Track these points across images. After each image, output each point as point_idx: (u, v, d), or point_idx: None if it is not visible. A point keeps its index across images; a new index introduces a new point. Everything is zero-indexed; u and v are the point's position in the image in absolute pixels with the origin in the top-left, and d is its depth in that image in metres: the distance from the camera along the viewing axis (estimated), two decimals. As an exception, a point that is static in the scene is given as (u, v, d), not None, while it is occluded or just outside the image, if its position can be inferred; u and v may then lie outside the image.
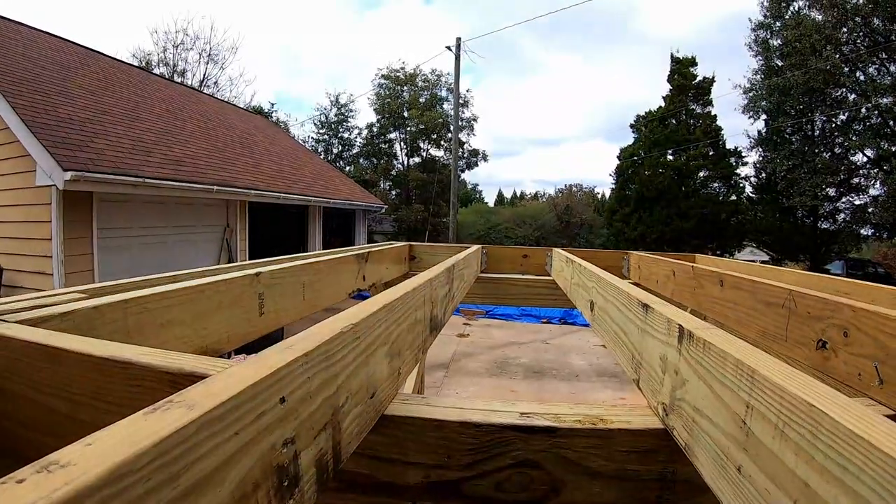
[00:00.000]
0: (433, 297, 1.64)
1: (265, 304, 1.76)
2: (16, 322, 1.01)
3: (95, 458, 0.39)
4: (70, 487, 0.36)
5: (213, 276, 1.61)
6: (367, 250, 3.06)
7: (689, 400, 0.91)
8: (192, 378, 0.77)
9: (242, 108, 32.66)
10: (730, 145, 40.59)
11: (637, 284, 2.47)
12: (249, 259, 15.87)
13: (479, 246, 4.17)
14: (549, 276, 4.01)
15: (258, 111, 42.63)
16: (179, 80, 34.49)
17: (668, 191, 38.92)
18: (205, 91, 32.41)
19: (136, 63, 30.94)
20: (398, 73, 52.29)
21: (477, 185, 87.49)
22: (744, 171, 40.29)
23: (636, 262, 3.99)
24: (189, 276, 1.75)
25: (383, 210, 32.53)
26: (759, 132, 36.26)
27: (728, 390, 0.78)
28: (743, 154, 39.74)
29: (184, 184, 12.14)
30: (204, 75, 44.69)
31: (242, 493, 0.54)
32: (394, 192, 51.11)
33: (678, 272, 2.91)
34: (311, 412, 0.70)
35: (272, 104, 56.41)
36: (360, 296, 2.90)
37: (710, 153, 39.72)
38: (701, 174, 40.39)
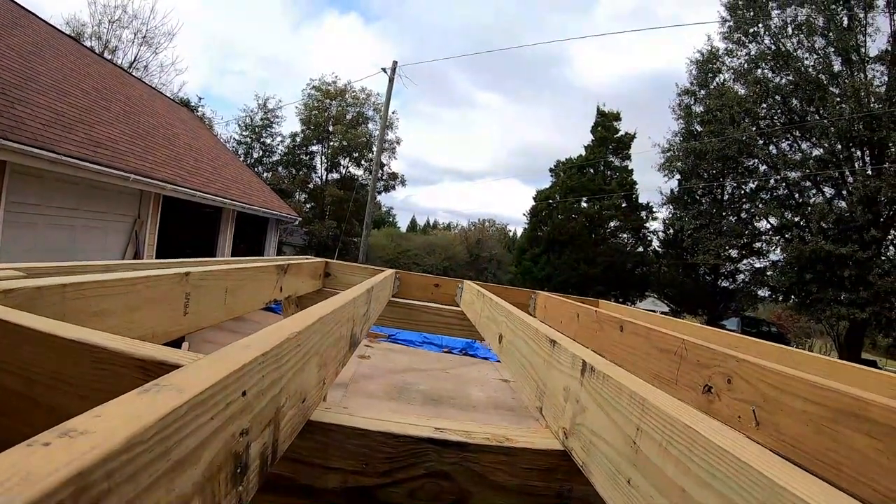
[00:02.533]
0: (354, 316, 1.72)
1: (190, 304, 1.80)
2: (-41, 295, 1.04)
3: (112, 428, 0.45)
4: (98, 451, 0.41)
5: (145, 271, 1.65)
6: (287, 262, 3.10)
7: (588, 424, 1.03)
8: (163, 366, 0.83)
9: (169, 98, 31.76)
10: (642, 199, 42.21)
11: (542, 323, 2.60)
12: (157, 255, 15.51)
13: (393, 271, 4.25)
14: (459, 306, 4.12)
15: (185, 103, 41.38)
16: (109, 58, 33.30)
17: (578, 236, 39.94)
18: (133, 73, 31.42)
19: (68, 32, 29.67)
20: (329, 87, 52.22)
21: (392, 208, 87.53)
22: (653, 225, 41.83)
23: (543, 301, 4.14)
24: (122, 267, 1.78)
25: (297, 222, 32.20)
26: (671, 190, 37.75)
27: (622, 416, 0.90)
28: (654, 209, 41.34)
29: (102, 167, 11.69)
30: (135, 57, 43.28)
31: (210, 474, 0.61)
32: (308, 206, 50.51)
33: (582, 315, 3.06)
34: (262, 408, 0.77)
35: (199, 98, 55.03)
36: (270, 308, 2.94)
37: (623, 205, 41.03)
38: (612, 224, 41.71)
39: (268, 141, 53.77)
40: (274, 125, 53.99)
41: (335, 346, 1.37)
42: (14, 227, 10.52)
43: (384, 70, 32.84)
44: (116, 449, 0.43)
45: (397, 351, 15.35)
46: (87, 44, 35.71)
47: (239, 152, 49.65)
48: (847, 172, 28.00)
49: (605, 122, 42.17)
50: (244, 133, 53.31)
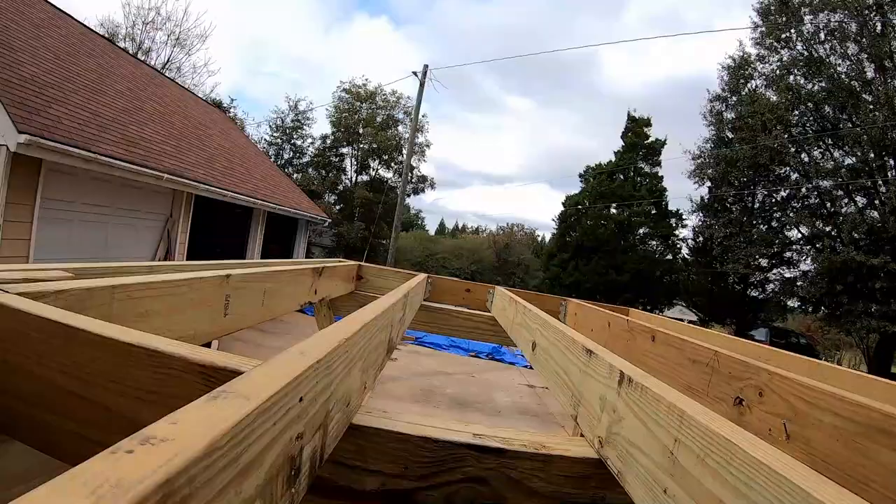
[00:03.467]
0: (392, 321, 1.75)
1: (230, 306, 1.84)
2: (17, 294, 1.08)
3: (191, 435, 0.48)
4: (181, 458, 0.44)
5: (189, 273, 1.69)
6: (322, 265, 3.14)
7: (625, 434, 1.05)
8: (224, 372, 0.87)
9: (202, 99, 32.05)
10: (672, 206, 41.98)
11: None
12: (188, 254, 15.66)
13: (426, 276, 4.28)
14: (489, 312, 4.14)
15: (217, 104, 41.77)
16: (143, 59, 33.73)
17: (607, 243, 39.79)
18: (167, 75, 31.81)
19: (103, 33, 30.10)
20: (359, 90, 52.44)
21: (420, 211, 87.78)
22: (682, 232, 41.55)
23: (574, 309, 4.15)
24: (165, 268, 1.83)
25: (326, 223, 32.39)
26: (701, 198, 37.50)
27: (660, 427, 0.92)
28: (684, 217, 41.10)
29: (136, 166, 11.81)
30: (168, 58, 43.79)
31: (270, 477, 0.64)
32: (338, 207, 50.77)
33: (613, 324, 3.06)
34: (315, 412, 0.80)
35: (232, 99, 55.59)
36: (301, 310, 2.97)
37: (653, 212, 40.82)
38: (641, 231, 41.49)
39: (298, 142, 54.35)
40: (304, 127, 54.51)
41: (375, 352, 1.40)
42: (49, 224, 10.68)
43: (415, 73, 33.00)
44: (198, 456, 0.46)
45: (424, 354, 15.38)
46: (121, 45, 36.17)
47: (270, 153, 50.07)
48: (880, 182, 27.52)
49: (636, 128, 42.03)
50: (275, 134, 53.84)
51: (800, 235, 32.84)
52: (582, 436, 1.31)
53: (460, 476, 1.11)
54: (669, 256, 41.98)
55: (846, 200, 30.29)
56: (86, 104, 12.33)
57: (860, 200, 29.79)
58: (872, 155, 27.86)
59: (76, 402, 0.91)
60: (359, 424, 1.12)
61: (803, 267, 33.26)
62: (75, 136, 10.41)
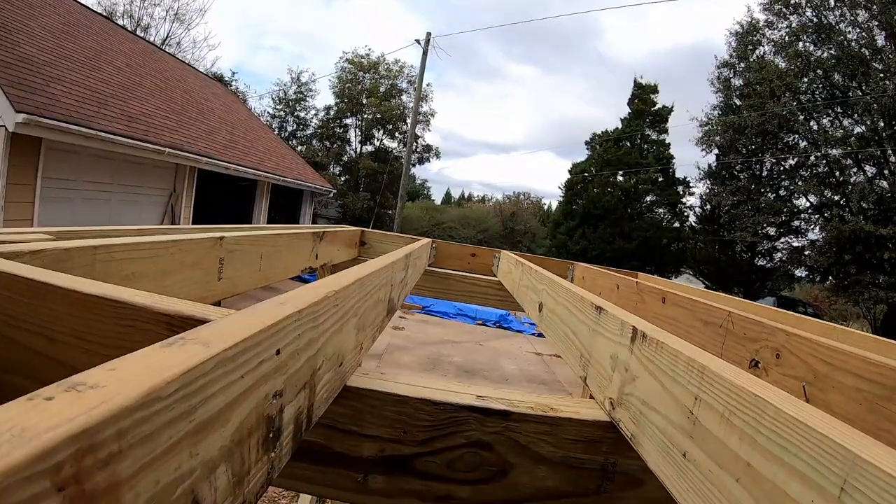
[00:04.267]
0: (392, 281, 1.68)
1: (224, 269, 1.77)
2: (-13, 255, 1.01)
3: (126, 382, 0.40)
4: (107, 406, 0.36)
5: (179, 235, 1.62)
6: (323, 230, 3.07)
7: (638, 394, 0.97)
8: (192, 321, 0.79)
9: (202, 73, 31.96)
10: (679, 174, 41.70)
11: (583, 292, 2.55)
12: (193, 229, 15.62)
13: (430, 240, 4.20)
14: (495, 276, 4.07)
15: (218, 78, 41.65)
16: (142, 35, 33.55)
17: (614, 210, 39.63)
18: (166, 50, 31.58)
19: (100, 11, 29.89)
20: (362, 59, 52.06)
21: (426, 181, 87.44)
22: (690, 200, 41.35)
23: (581, 272, 4.08)
24: (154, 231, 1.75)
25: (331, 194, 32.29)
26: (709, 165, 37.29)
27: (678, 385, 0.84)
28: (691, 184, 40.86)
29: (136, 142, 11.85)
30: (168, 34, 43.63)
31: (240, 437, 0.56)
32: (343, 178, 50.56)
33: (622, 286, 2.99)
34: (297, 369, 0.73)
35: (233, 73, 55.64)
36: (301, 279, 2.90)
37: (660, 179, 40.59)
38: (648, 198, 41.31)
39: (301, 114, 54.02)
40: (307, 98, 54.21)
41: (373, 310, 1.33)
42: (51, 203, 10.68)
43: (418, 42, 32.79)
44: (130, 405, 0.38)
45: (431, 323, 15.38)
46: (120, 22, 35.87)
47: (273, 126, 49.81)
48: (889, 151, 27.30)
49: (642, 95, 41.63)
50: (278, 107, 53.66)
51: (808, 204, 32.63)
52: (592, 398, 1.23)
53: (463, 441, 1.04)
54: (677, 224, 41.74)
55: (855, 169, 30.04)
56: (84, 81, 12.29)
57: (869, 170, 29.57)
58: (882, 124, 27.61)
59: (42, 363, 0.84)
60: (354, 386, 1.05)
61: (811, 236, 33.16)
62: (74, 113, 10.39)
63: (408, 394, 1.03)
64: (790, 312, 2.46)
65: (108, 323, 0.82)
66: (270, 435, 0.65)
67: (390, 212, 44.91)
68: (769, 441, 0.63)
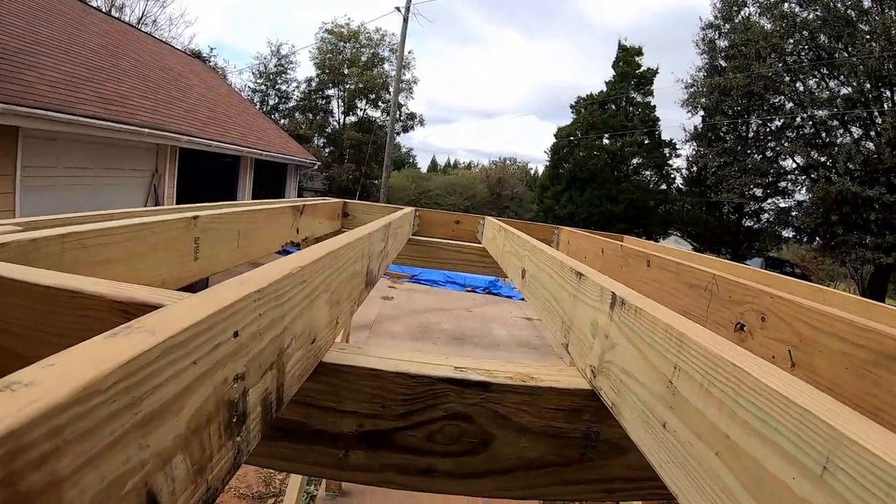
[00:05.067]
0: (370, 252, 1.65)
1: (200, 249, 1.74)
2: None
3: (61, 378, 0.38)
4: (38, 405, 0.35)
5: (151, 217, 1.58)
6: (303, 203, 3.03)
7: (618, 362, 0.96)
8: (145, 308, 0.76)
9: (180, 51, 31.46)
10: (665, 136, 41.60)
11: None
12: (177, 208, 15.52)
13: (413, 208, 4.17)
14: (480, 243, 4.04)
15: (196, 55, 41.00)
16: (117, 16, 33.00)
17: (600, 173, 39.59)
18: (142, 29, 31.07)
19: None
20: (342, 29, 51.38)
21: (411, 149, 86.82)
22: (676, 162, 41.38)
23: (566, 237, 4.06)
24: (125, 214, 1.71)
25: (316, 167, 32.05)
26: (695, 127, 37.18)
27: (657, 353, 0.82)
28: (677, 146, 40.80)
29: (115, 124, 11.67)
30: (143, 12, 42.99)
31: (197, 425, 0.54)
32: (327, 150, 50.10)
33: (607, 249, 2.97)
34: (261, 350, 0.70)
35: (211, 49, 54.86)
36: (286, 252, 2.86)
37: (646, 142, 40.54)
38: (635, 161, 41.29)
39: (283, 87, 53.39)
40: (288, 71, 53.54)
41: (349, 283, 1.30)
42: (32, 192, 10.54)
43: (398, 9, 32.38)
44: (62, 402, 0.36)
45: (420, 291, 15.43)
46: (93, 3, 35.30)
47: (254, 100, 49.21)
48: (876, 113, 27.25)
49: (627, 57, 41.32)
50: (258, 81, 52.96)
51: (795, 165, 32.62)
52: (574, 366, 1.22)
53: (442, 413, 1.02)
54: (664, 186, 41.76)
55: (842, 131, 29.91)
56: (58, 66, 12.11)
57: (856, 131, 29.46)
58: (868, 86, 27.52)
59: (6, 358, 0.82)
60: (329, 362, 1.02)
61: (798, 197, 33.19)
62: (51, 99, 10.24)
63: (384, 368, 1.01)
64: (775, 274, 2.46)
65: (67, 314, 0.79)
66: (234, 420, 0.63)
67: (376, 182, 44.68)
68: (749, 413, 0.60)
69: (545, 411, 1.04)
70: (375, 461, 1.07)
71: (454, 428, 1.02)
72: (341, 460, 1.09)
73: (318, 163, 32.50)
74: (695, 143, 37.55)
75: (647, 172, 42.22)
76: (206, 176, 20.12)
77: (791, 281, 2.26)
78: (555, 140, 43.60)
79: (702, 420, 0.69)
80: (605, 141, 40.85)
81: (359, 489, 5.81)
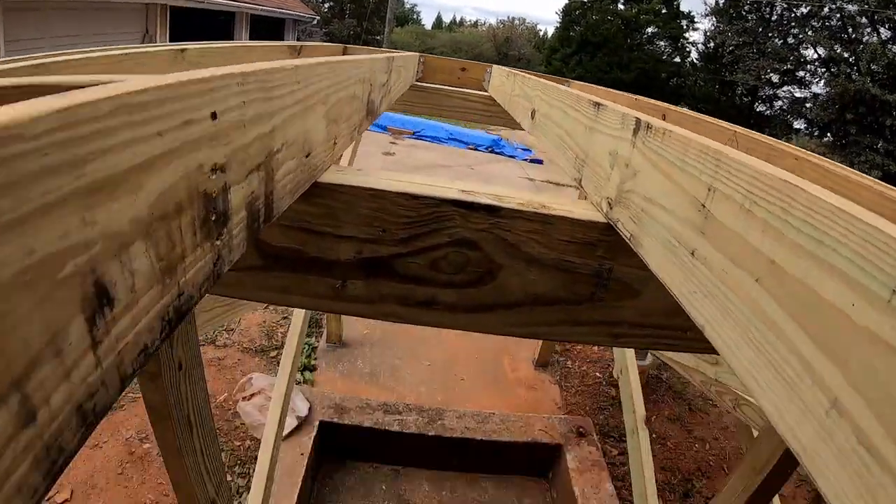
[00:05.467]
0: (372, 80, 1.54)
1: (189, 86, 1.62)
2: None
3: None
4: None
5: (136, 49, 1.46)
6: (301, 44, 2.87)
7: (640, 190, 0.87)
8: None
9: None
10: (684, 7, 40.13)
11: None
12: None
13: (418, 53, 3.99)
14: (486, 91, 3.91)
15: None
16: None
17: (613, 39, 38.48)
18: None
19: None
20: None
21: (415, 5, 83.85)
22: (693, 36, 40.37)
23: (578, 88, 3.92)
24: (108, 49, 1.60)
25: (315, 22, 31.02)
26: (716, 1, 35.74)
27: (687, 175, 0.74)
28: (695, 19, 39.48)
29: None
30: None
31: (163, 212, 0.46)
32: (326, 5, 48.27)
33: (619, 100, 2.85)
34: (245, 144, 0.61)
35: None
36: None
37: (663, 11, 39.12)
38: (649, 30, 40.01)
39: (281, -66, 50.56)
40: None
41: (349, 105, 1.20)
42: (17, 65, 10.18)
43: None
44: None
45: (422, 147, 15.29)
46: None
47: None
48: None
49: (650, -84, 39.33)
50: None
51: (816, 56, 31.55)
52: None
53: (446, 239, 0.95)
54: (677, 59, 40.59)
55: (869, 29, 28.72)
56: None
57: (884, 33, 28.31)
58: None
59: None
60: (326, 182, 0.95)
61: (815, 89, 32.31)
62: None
63: (385, 188, 0.94)
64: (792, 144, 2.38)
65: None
66: (213, 218, 0.55)
67: (378, 38, 43.30)
68: (800, 234, 0.52)
69: (557, 243, 0.97)
70: (374, 291, 1.01)
71: (459, 255, 0.96)
72: (338, 290, 1.03)
73: (318, 18, 31.45)
74: (714, 19, 36.21)
75: (662, 43, 40.92)
76: (199, 36, 19.42)
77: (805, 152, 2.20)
78: (567, 1, 42.09)
79: (740, 245, 0.61)
80: (620, 6, 39.44)
81: (358, 340, 5.91)
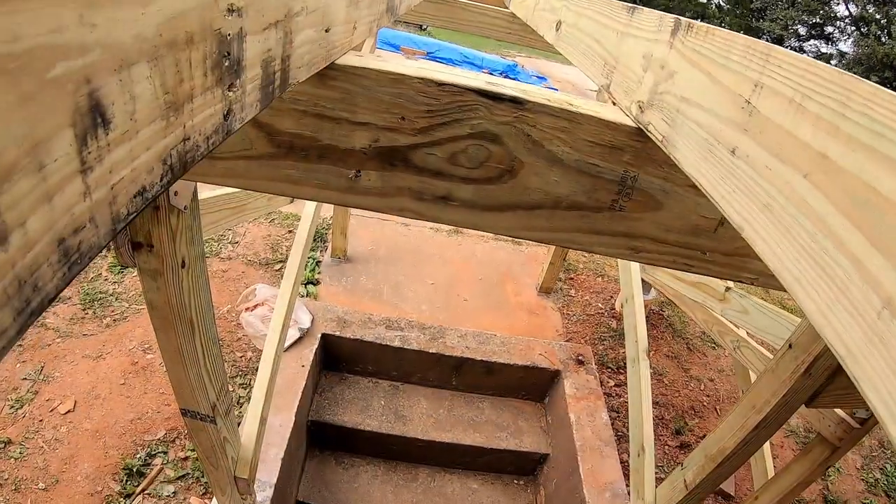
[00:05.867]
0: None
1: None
2: None
3: None
4: None
5: None
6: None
7: (676, 91, 0.83)
8: None
9: None
10: (716, -53, 38.78)
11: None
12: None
13: None
14: (508, 9, 3.78)
15: None
16: None
17: (635, -28, 37.49)
18: None
19: None
20: None
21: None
22: (723, -23, 38.97)
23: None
24: None
25: None
26: (752, -57, 34.62)
27: (731, 73, 0.70)
28: (726, -40, 38.15)
29: None
30: None
31: (172, 37, 0.41)
32: None
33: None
34: (263, -7, 0.57)
35: None
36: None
37: (693, -52, 37.98)
38: (677, -32, 38.87)
39: None
40: None
41: (371, -9, 1.14)
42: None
43: None
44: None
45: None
46: None
47: None
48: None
49: None
50: None
51: (847, 14, 30.63)
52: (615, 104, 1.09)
53: (468, 131, 0.91)
54: (703, 0, 39.68)
55: None
56: None
57: None
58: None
59: None
60: (344, 64, 0.89)
61: (842, 47, 31.50)
62: None
63: (407, 72, 0.88)
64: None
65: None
66: (226, 63, 0.51)
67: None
68: (857, 127, 0.48)
69: (582, 143, 0.93)
70: (389, 183, 0.97)
71: (480, 149, 0.92)
72: (352, 182, 1.00)
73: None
74: (747, -39, 35.18)
75: (688, -20, 39.87)
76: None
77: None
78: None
79: (787, 140, 0.57)
80: (647, -64, 38.28)
81: (363, 256, 5.89)
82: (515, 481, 4.94)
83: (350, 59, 0.91)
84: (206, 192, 2.25)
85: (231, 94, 0.54)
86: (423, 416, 4.77)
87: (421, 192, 0.96)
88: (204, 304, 1.84)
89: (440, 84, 0.88)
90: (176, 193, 1.52)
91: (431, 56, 15.67)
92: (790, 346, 1.99)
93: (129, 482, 3.62)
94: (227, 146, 1.01)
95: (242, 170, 1.04)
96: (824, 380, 1.96)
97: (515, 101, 0.89)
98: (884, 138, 0.46)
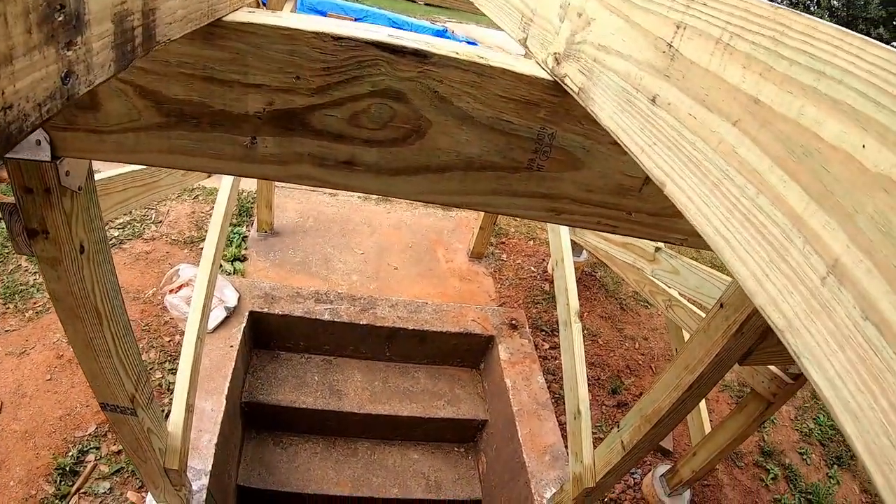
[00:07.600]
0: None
1: None
2: None
3: None
4: None
5: None
6: None
7: (593, 40, 0.76)
8: None
9: None
10: None
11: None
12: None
13: None
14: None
15: None
16: None
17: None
18: None
19: None
20: None
21: None
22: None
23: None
24: None
25: None
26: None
27: (652, 15, 0.64)
28: None
29: None
30: None
31: None
32: None
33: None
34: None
35: None
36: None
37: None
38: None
39: None
40: None
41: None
42: None
43: None
44: None
45: (363, 36, 14.83)
46: None
47: None
48: None
49: None
50: None
51: None
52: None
53: (369, 89, 0.83)
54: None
55: None
56: None
57: None
58: None
59: None
60: (231, 20, 0.80)
61: None
62: None
63: (299, 26, 0.80)
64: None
65: None
66: (58, 16, 0.42)
67: None
68: (794, 65, 0.42)
69: (494, 99, 0.86)
70: (288, 149, 0.89)
71: (383, 108, 0.84)
72: (248, 150, 0.91)
73: None
74: None
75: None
76: None
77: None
78: None
79: (714, 84, 0.51)
80: None
81: (290, 229, 5.75)
82: (456, 449, 4.94)
83: (239, 16, 0.82)
84: (109, 170, 2.11)
85: (70, 53, 0.45)
86: (359, 389, 4.71)
87: (322, 158, 0.88)
88: (110, 291, 1.73)
89: (337, 38, 0.79)
90: (67, 173, 1.39)
91: (359, 21, 15.40)
92: (721, 305, 1.98)
93: (62, 482, 3.46)
94: (112, 118, 0.91)
95: (132, 143, 0.94)
96: (756, 338, 1.96)
97: (420, 55, 0.81)
98: (824, 76, 0.40)
